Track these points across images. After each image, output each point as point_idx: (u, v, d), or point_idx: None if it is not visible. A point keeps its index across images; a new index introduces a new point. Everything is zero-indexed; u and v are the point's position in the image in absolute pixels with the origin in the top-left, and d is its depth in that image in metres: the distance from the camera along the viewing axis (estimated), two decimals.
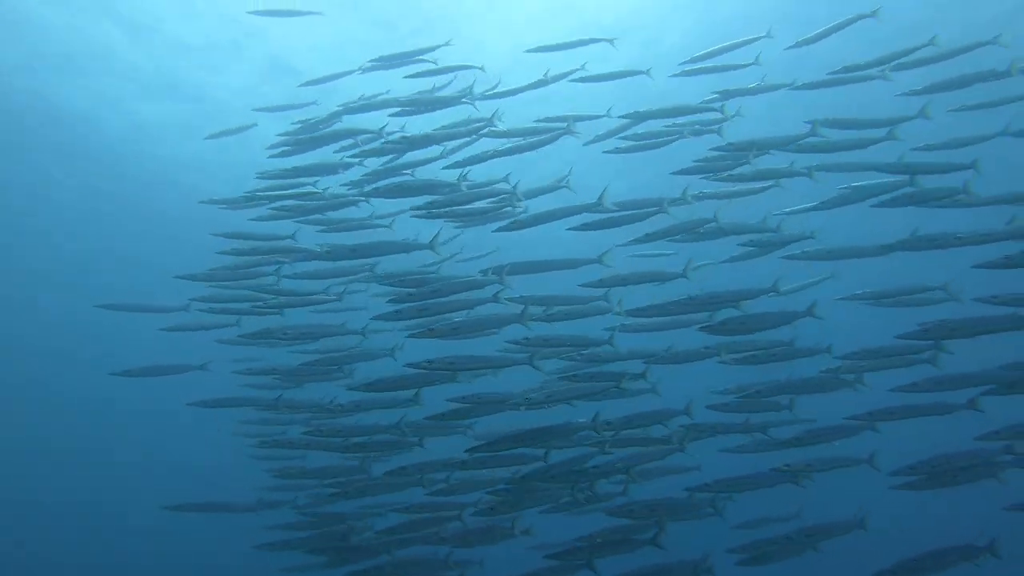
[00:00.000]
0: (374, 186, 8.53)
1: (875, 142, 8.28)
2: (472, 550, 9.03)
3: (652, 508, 7.97)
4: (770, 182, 8.48)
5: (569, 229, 8.09)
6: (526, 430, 7.50)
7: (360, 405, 9.22)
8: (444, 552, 8.86)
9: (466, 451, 7.62)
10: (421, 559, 8.98)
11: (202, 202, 10.13)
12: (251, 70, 18.51)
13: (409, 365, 7.46)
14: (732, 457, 8.81)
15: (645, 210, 7.98)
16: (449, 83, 10.41)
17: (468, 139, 9.20)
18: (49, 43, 17.69)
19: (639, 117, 9.07)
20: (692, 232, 8.04)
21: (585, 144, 9.64)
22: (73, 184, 23.01)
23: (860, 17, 9.34)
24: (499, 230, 8.10)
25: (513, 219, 7.89)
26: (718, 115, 8.98)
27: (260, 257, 9.08)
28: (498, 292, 7.80)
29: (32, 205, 23.82)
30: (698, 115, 9.05)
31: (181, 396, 10.53)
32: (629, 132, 9.26)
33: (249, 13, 12.77)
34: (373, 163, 9.42)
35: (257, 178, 9.66)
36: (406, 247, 8.00)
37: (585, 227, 8.08)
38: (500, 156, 8.68)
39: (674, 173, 8.37)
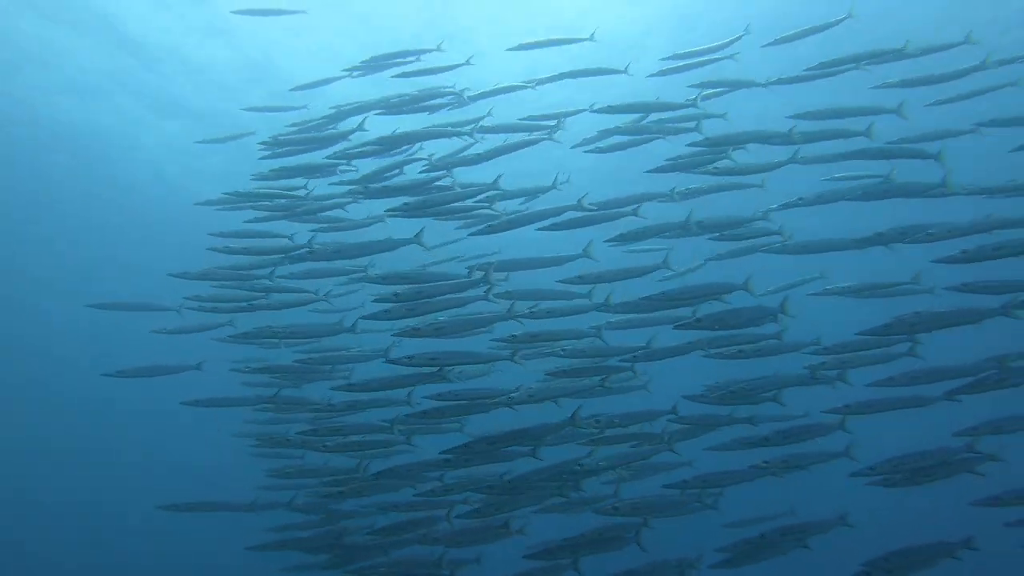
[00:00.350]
0: (365, 186, 8.60)
1: (855, 134, 8.36)
2: (466, 549, 9.09)
3: (636, 507, 8.01)
4: (754, 176, 8.58)
5: (539, 229, 8.16)
6: (502, 432, 7.55)
7: (354, 405, 9.30)
8: (438, 552, 8.89)
9: (441, 453, 7.66)
10: (415, 559, 9.03)
11: (197, 204, 10.25)
12: (266, 92, 18.83)
13: (390, 361, 7.53)
14: (721, 454, 8.85)
15: (618, 210, 8.05)
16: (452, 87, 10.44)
17: (459, 140, 9.26)
18: (59, 63, 18.09)
19: (614, 111, 9.11)
20: (672, 229, 8.09)
21: (573, 147, 9.71)
22: (77, 193, 23.33)
23: (838, 21, 9.57)
24: (475, 233, 8.15)
25: (488, 223, 7.94)
26: (697, 111, 9.07)
27: (252, 256, 9.16)
28: (488, 289, 7.85)
29: (36, 214, 24.14)
30: (678, 111, 9.13)
31: (181, 397, 10.59)
32: (609, 128, 9.31)
33: (233, 13, 12.90)
34: (367, 165, 9.53)
35: (252, 180, 9.80)
36: (391, 246, 8.04)
37: (555, 227, 8.13)
38: (484, 160, 8.72)
39: (649, 171, 8.46)
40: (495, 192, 8.48)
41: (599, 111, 9.01)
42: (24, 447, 27.18)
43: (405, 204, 8.13)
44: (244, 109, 12.82)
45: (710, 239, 8.37)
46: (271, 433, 9.75)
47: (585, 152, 9.52)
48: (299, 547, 9.77)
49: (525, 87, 10.07)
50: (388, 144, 8.79)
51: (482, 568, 9.62)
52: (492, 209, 8.65)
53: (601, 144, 9.26)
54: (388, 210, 8.28)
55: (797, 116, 8.54)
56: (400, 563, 9.07)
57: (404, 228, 9.42)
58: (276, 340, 9.52)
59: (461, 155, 9.02)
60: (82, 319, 22.69)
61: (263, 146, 9.75)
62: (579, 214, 8.26)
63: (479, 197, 8.51)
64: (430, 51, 10.67)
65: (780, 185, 8.80)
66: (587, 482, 9.17)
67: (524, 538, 8.81)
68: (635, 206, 8.08)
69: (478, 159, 8.67)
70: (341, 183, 9.14)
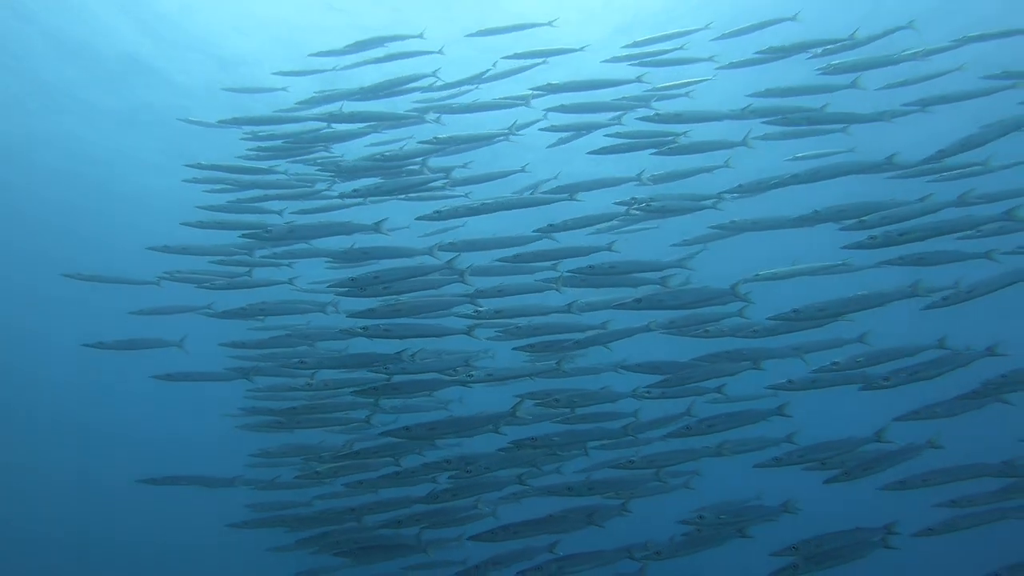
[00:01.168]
0: (337, 165, 8.75)
1: (811, 109, 8.39)
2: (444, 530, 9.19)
3: (590, 487, 8.09)
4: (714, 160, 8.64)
5: (481, 214, 8.18)
6: (440, 420, 7.66)
7: (328, 384, 9.42)
8: (415, 531, 8.99)
9: (379, 434, 7.72)
10: (394, 537, 9.14)
11: (185, 181, 10.43)
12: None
13: (344, 331, 7.65)
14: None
15: (555, 196, 8.10)
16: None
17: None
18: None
19: (555, 90, 9.17)
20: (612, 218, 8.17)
21: (549, 147, 9.80)
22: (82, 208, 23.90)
23: (781, 20, 9.96)
24: (421, 218, 8.23)
25: (435, 210, 8.03)
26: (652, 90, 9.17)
27: (222, 231, 9.36)
28: (464, 272, 7.93)
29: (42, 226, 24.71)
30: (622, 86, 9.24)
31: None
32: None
33: None
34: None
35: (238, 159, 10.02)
36: (348, 229, 8.14)
37: (499, 206, 8.13)
38: (448, 148, 8.82)
39: (590, 153, 8.52)
40: (445, 180, 8.56)
41: (538, 89, 9.07)
42: (31, 471, 27.28)
43: (355, 190, 8.24)
44: (223, 89, 12.98)
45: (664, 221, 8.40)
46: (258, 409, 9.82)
47: (547, 142, 9.55)
48: (281, 525, 9.80)
49: (485, 76, 10.16)
50: (345, 120, 8.89)
51: (463, 548, 9.72)
52: (449, 192, 8.75)
53: (556, 125, 9.27)
54: (341, 194, 8.39)
55: (754, 95, 8.58)
56: (379, 540, 9.17)
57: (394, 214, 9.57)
58: (261, 316, 9.68)
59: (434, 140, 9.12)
60: (83, 330, 23.19)
61: (230, 123, 9.90)
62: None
63: (438, 183, 8.61)
64: (414, 36, 10.81)
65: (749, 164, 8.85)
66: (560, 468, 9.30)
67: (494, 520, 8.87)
68: (569, 193, 8.10)
69: (441, 144, 8.73)
70: (315, 161, 9.30)
